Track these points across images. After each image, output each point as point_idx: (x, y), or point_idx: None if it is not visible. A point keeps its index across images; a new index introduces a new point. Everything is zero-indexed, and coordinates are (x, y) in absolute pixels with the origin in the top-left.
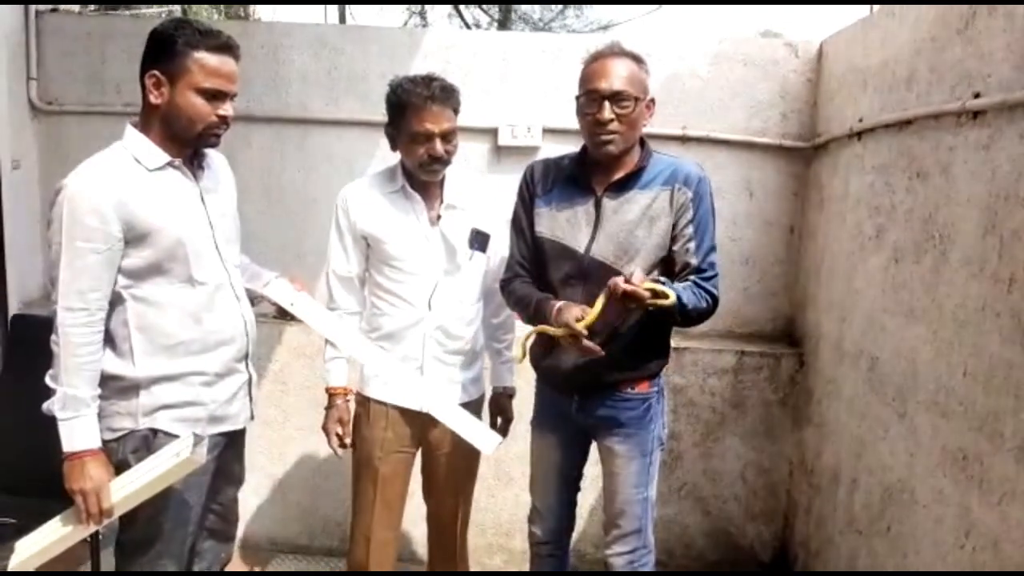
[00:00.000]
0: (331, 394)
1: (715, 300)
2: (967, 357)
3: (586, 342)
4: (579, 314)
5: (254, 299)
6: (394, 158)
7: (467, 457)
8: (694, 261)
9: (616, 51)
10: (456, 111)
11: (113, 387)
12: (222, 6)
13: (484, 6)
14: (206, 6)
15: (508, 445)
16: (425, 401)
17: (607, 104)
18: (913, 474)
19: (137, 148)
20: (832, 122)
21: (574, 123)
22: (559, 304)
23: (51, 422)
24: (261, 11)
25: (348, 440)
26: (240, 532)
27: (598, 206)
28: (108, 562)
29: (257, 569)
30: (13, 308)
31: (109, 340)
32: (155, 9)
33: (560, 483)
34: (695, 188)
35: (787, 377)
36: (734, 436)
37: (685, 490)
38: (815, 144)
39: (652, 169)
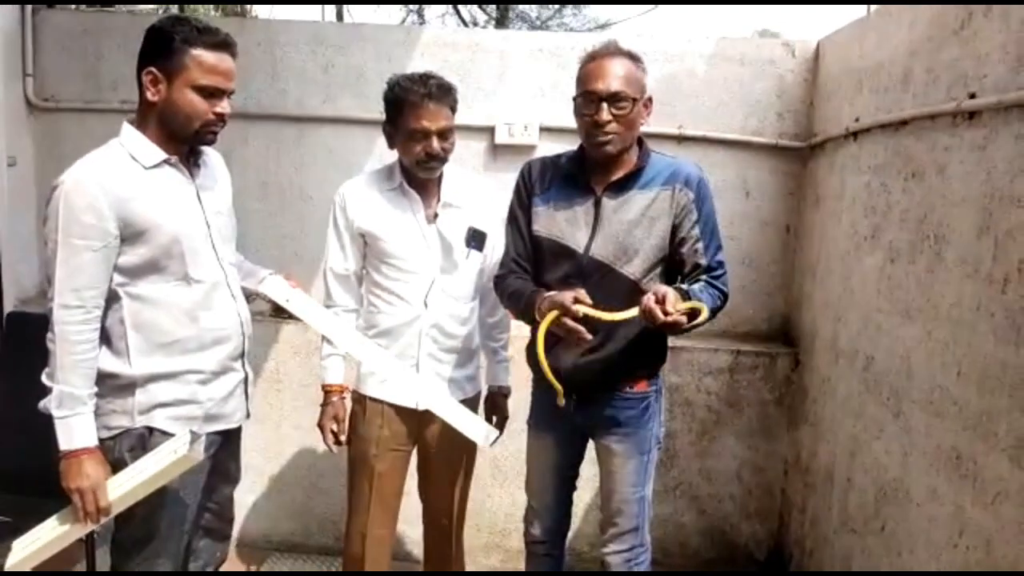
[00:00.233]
0: (327, 391)
1: (726, 296)
2: (961, 357)
3: (572, 323)
4: (574, 297)
5: (250, 297)
6: (392, 156)
7: (463, 455)
8: (704, 261)
9: (612, 51)
10: (453, 109)
11: (109, 385)
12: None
13: (482, 4)
14: (203, 3)
15: (505, 444)
16: (421, 395)
17: (605, 105)
18: (907, 473)
19: (134, 145)
20: (828, 122)
21: (571, 122)
22: (549, 293)
23: (47, 420)
24: (258, 8)
25: (343, 437)
26: (236, 531)
27: (597, 206)
28: (104, 561)
29: (253, 568)
30: (9, 306)
31: (105, 338)
32: (152, 6)
33: (557, 482)
34: (696, 189)
35: (783, 376)
36: (730, 435)
37: (681, 489)
38: (811, 144)
39: (651, 169)
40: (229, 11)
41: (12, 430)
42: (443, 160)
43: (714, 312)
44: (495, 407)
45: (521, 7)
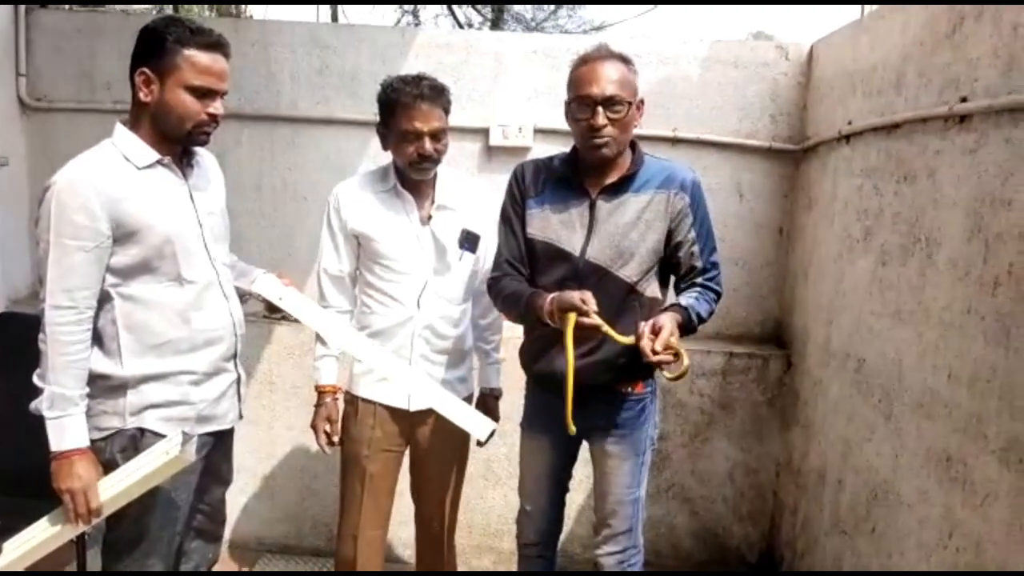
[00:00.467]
0: (320, 392)
1: (719, 295)
2: (952, 359)
3: (589, 321)
4: (580, 297)
5: (244, 297)
6: (386, 157)
7: (456, 456)
8: (699, 264)
9: (605, 54)
10: (446, 110)
11: (101, 386)
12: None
13: (476, 5)
14: (197, 3)
15: (497, 445)
16: (417, 390)
17: (600, 109)
18: (898, 475)
19: (126, 146)
20: (821, 125)
21: (565, 124)
22: (552, 295)
23: (39, 421)
24: (252, 9)
25: (336, 438)
26: (228, 532)
27: (592, 208)
28: (95, 562)
29: (245, 569)
30: (0, 306)
31: (97, 339)
32: (146, 6)
33: (551, 485)
34: (691, 192)
35: (775, 378)
36: (722, 437)
37: (673, 491)
38: (804, 147)
39: (645, 172)
40: (223, 11)
41: (3, 431)
42: (436, 161)
43: (709, 314)
44: (487, 409)
45: (516, 8)
